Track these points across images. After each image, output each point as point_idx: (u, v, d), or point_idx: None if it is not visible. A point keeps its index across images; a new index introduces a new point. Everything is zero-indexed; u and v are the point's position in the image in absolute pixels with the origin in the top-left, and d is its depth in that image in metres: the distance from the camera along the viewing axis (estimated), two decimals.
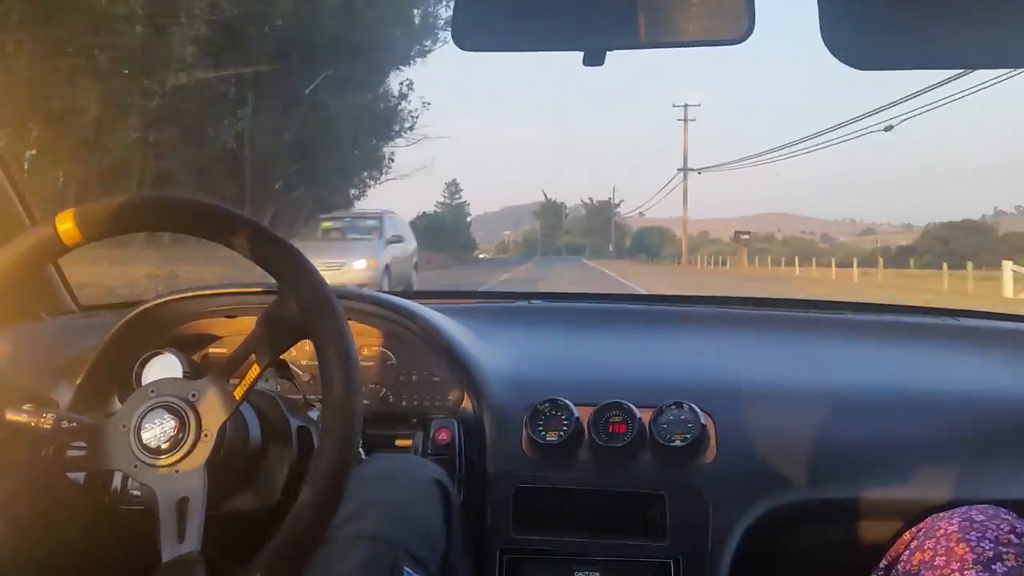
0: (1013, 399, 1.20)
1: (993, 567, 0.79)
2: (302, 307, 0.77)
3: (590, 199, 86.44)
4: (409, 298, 1.28)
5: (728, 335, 1.52)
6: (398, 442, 1.14)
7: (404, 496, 0.94)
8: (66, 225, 0.76)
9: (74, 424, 0.83)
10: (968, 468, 1.10)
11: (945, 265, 22.03)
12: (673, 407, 1.10)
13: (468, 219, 65.54)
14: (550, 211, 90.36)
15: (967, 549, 0.82)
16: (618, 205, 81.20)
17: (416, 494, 0.95)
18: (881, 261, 28.83)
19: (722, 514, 1.06)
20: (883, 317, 1.60)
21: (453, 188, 65.60)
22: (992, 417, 1.16)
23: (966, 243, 38.43)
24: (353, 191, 24.26)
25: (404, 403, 1.20)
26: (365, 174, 24.27)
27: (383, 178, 25.10)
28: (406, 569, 0.83)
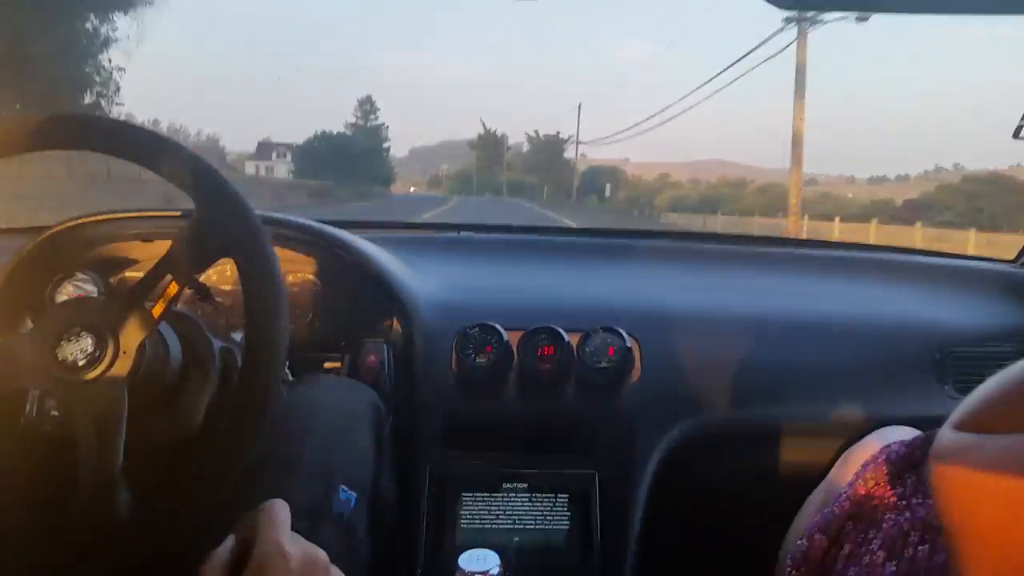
0: (920, 327, 1.28)
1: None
2: (224, 227, 0.75)
3: (535, 132, 73.78)
4: (339, 226, 1.26)
5: (658, 266, 1.56)
6: (326, 365, 1.14)
7: (337, 420, 0.94)
8: None
9: None
10: (880, 390, 1.18)
11: (974, 231, 17.02)
12: (600, 331, 1.12)
13: (386, 145, 54.19)
14: (488, 143, 77.54)
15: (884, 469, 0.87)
16: (567, 140, 70.15)
17: (348, 417, 0.95)
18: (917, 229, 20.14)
19: (644, 433, 1.10)
20: (808, 251, 1.67)
21: (367, 107, 52.83)
22: (903, 343, 1.24)
23: (999, 201, 28.67)
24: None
25: (332, 329, 1.19)
26: None
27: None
28: (342, 487, 0.84)
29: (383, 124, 54.73)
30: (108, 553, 0.71)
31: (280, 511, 0.69)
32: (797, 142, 17.60)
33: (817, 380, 1.18)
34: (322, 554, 0.68)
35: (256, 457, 0.86)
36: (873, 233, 19.79)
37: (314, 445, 0.88)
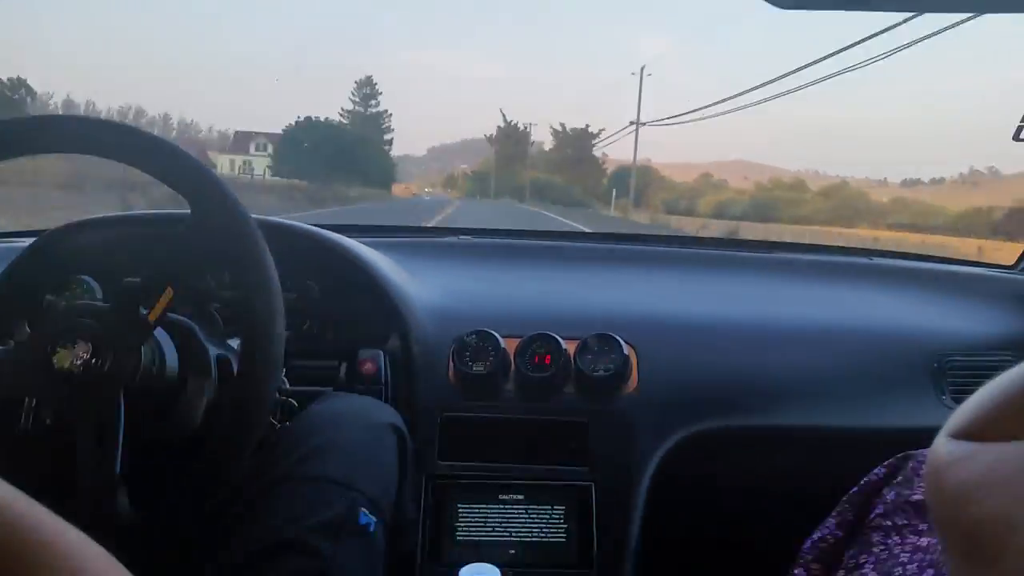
0: (917, 335, 1.27)
1: None
2: (221, 233, 0.75)
3: (561, 126, 63.05)
4: (335, 231, 1.25)
5: (654, 272, 1.55)
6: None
7: (362, 438, 0.93)
8: None
9: None
10: (877, 398, 1.18)
11: None
12: (598, 339, 1.12)
13: (387, 136, 44.45)
14: (510, 138, 64.02)
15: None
16: (597, 135, 59.92)
17: (374, 437, 0.94)
18: None
19: (641, 441, 1.09)
20: (805, 256, 1.66)
21: (367, 90, 42.89)
22: (900, 351, 1.23)
23: None
24: None
25: (328, 335, 1.19)
26: None
27: None
28: (362, 511, 0.83)
29: (385, 111, 44.03)
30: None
31: None
32: None
33: (814, 388, 1.18)
34: None
35: (279, 471, 0.86)
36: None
37: (338, 461, 0.87)
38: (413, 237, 1.67)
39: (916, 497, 0.77)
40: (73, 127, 0.76)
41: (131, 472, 0.73)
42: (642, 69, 36.30)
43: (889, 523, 0.77)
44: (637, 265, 1.59)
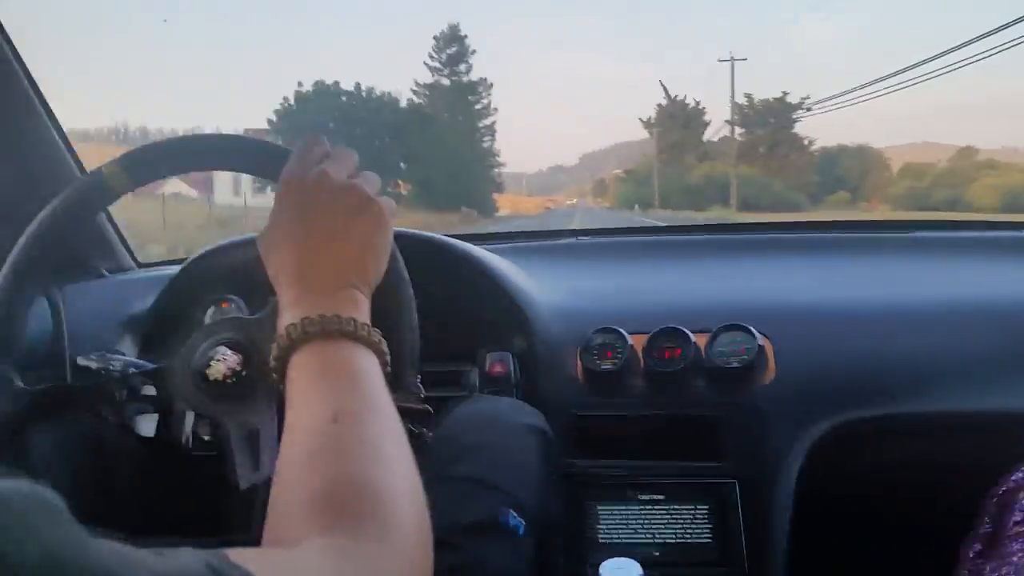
0: None
1: None
2: None
3: (748, 97, 41.52)
4: (457, 239, 1.28)
5: (781, 259, 1.49)
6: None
7: (508, 440, 0.93)
8: (112, 170, 0.78)
9: (142, 367, 0.85)
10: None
11: None
12: (728, 330, 1.09)
13: (486, 122, 28.66)
14: (675, 119, 45.01)
15: None
16: (800, 106, 39.64)
17: (519, 439, 0.95)
18: None
19: (782, 434, 1.05)
20: (939, 234, 1.56)
21: (456, 48, 27.95)
22: None
23: None
24: None
25: (452, 339, 1.21)
26: None
27: None
28: (510, 512, 0.83)
29: (484, 80, 27.73)
30: None
31: (344, 155, 0.67)
32: None
33: (960, 371, 1.09)
34: (364, 188, 0.65)
35: (427, 474, 0.88)
36: None
37: (485, 463, 0.88)
38: (532, 241, 1.68)
39: None
40: (207, 145, 0.80)
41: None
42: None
43: None
44: (763, 253, 1.53)
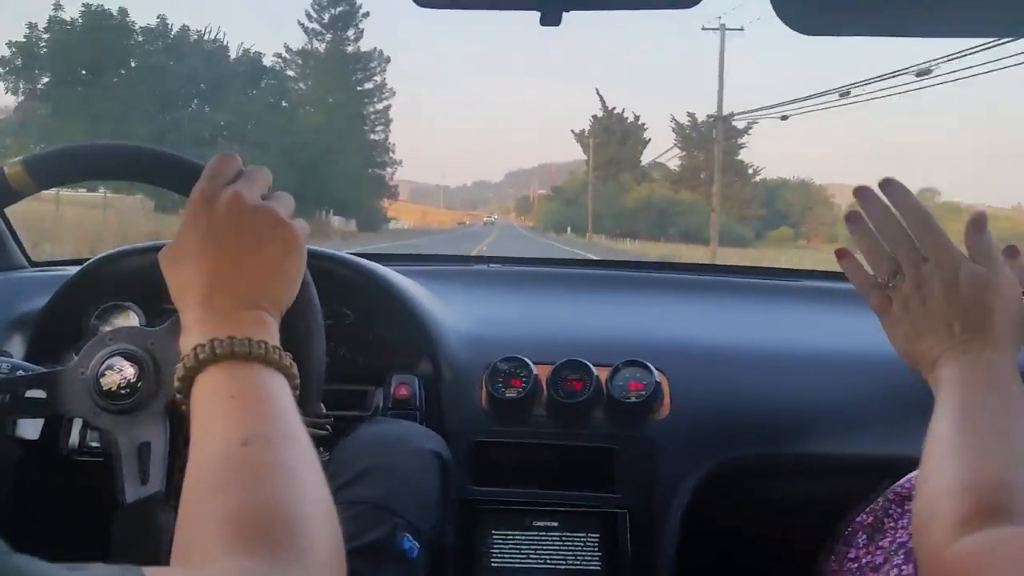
0: None
1: None
2: None
3: (690, 116, 40.19)
4: (368, 259, 1.28)
5: (683, 299, 1.56)
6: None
7: (406, 463, 0.93)
8: (15, 170, 0.75)
9: (31, 371, 0.82)
10: (908, 424, 1.16)
11: None
12: (629, 366, 1.13)
13: (379, 106, 23.08)
14: (610, 131, 41.66)
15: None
16: (746, 131, 37.44)
17: (417, 463, 0.95)
18: None
19: (673, 468, 1.09)
20: (827, 284, 1.66)
21: (341, 4, 22.70)
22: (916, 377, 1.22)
23: None
24: None
25: (361, 360, 1.21)
26: None
27: None
28: (404, 536, 0.84)
29: (377, 51, 21.69)
30: None
31: (257, 174, 0.67)
32: None
33: (846, 414, 1.17)
34: (277, 211, 0.64)
35: None
36: None
37: (381, 486, 0.88)
38: (445, 265, 1.69)
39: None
40: (114, 154, 0.78)
41: (175, 492, 0.74)
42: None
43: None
44: (664, 291, 1.60)
